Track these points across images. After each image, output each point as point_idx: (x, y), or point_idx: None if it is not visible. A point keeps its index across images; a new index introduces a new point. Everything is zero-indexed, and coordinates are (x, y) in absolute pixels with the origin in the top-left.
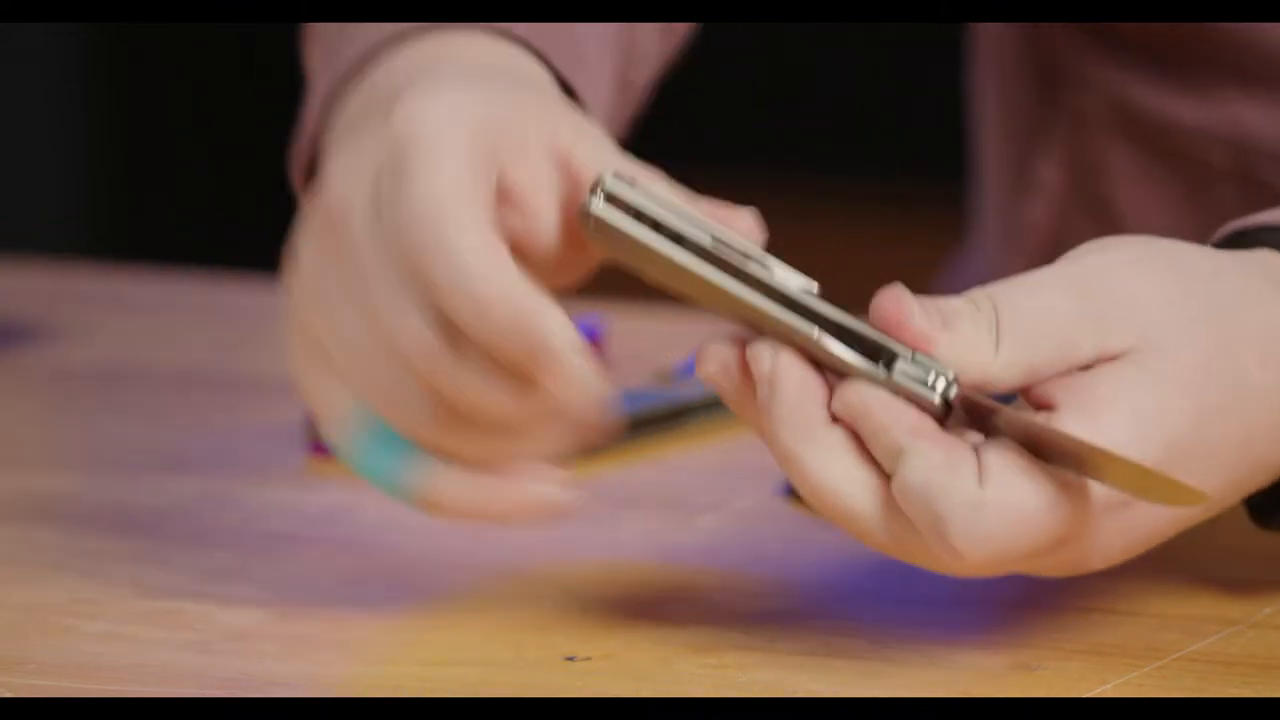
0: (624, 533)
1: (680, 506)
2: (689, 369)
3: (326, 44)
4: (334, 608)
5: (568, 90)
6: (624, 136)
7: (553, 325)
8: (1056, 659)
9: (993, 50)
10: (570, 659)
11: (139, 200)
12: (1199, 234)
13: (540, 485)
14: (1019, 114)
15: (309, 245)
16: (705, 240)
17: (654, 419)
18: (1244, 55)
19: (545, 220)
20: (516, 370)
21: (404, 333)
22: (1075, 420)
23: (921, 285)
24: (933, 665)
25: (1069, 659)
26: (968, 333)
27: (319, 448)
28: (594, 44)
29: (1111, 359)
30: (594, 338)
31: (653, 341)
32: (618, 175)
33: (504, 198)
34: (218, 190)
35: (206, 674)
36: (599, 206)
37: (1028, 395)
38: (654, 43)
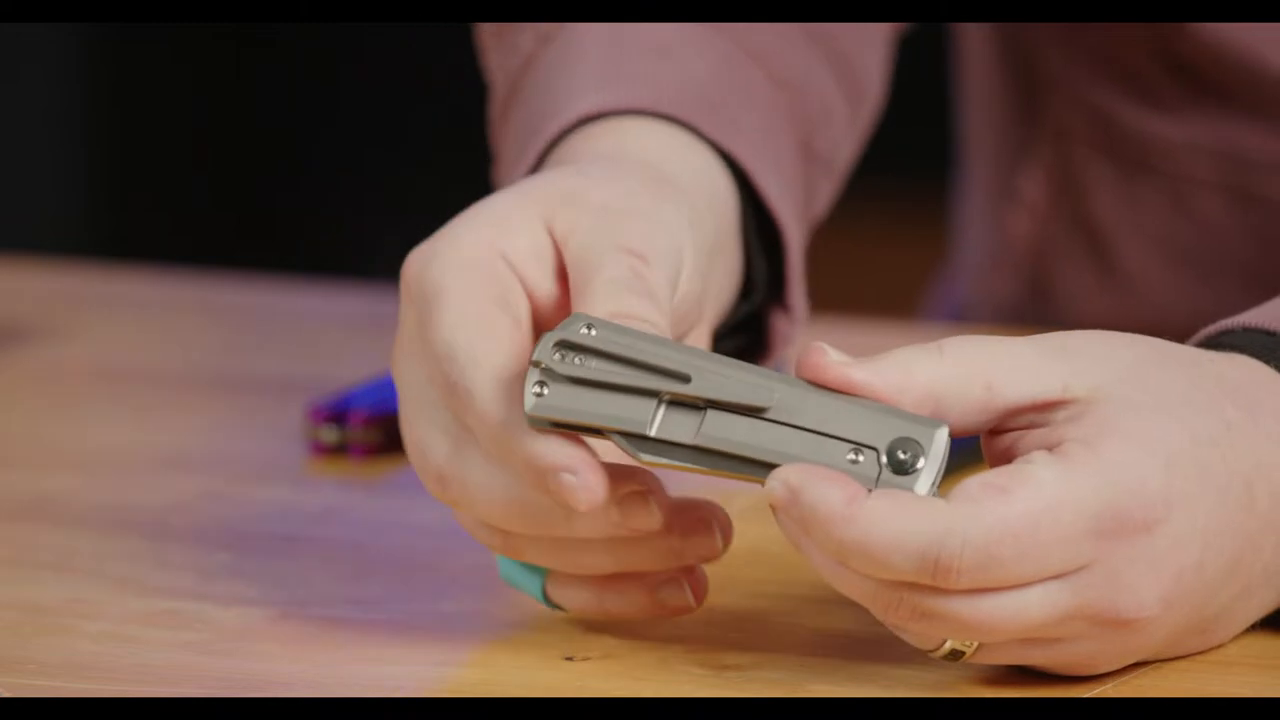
0: None
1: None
2: None
3: (519, 130)
4: (334, 608)
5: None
6: (825, 212)
7: (542, 451)
8: None
9: (976, 66)
10: (570, 659)
11: (139, 200)
12: (1182, 248)
13: (644, 589)
14: (1002, 129)
15: (401, 318)
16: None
17: None
18: (1233, 76)
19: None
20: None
21: (428, 465)
22: (1073, 449)
23: (917, 284)
24: (933, 665)
25: None
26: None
27: (319, 448)
28: (758, 116)
29: (1086, 401)
30: None
31: None
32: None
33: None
34: (217, 190)
35: (206, 674)
36: (535, 407)
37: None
38: (838, 103)
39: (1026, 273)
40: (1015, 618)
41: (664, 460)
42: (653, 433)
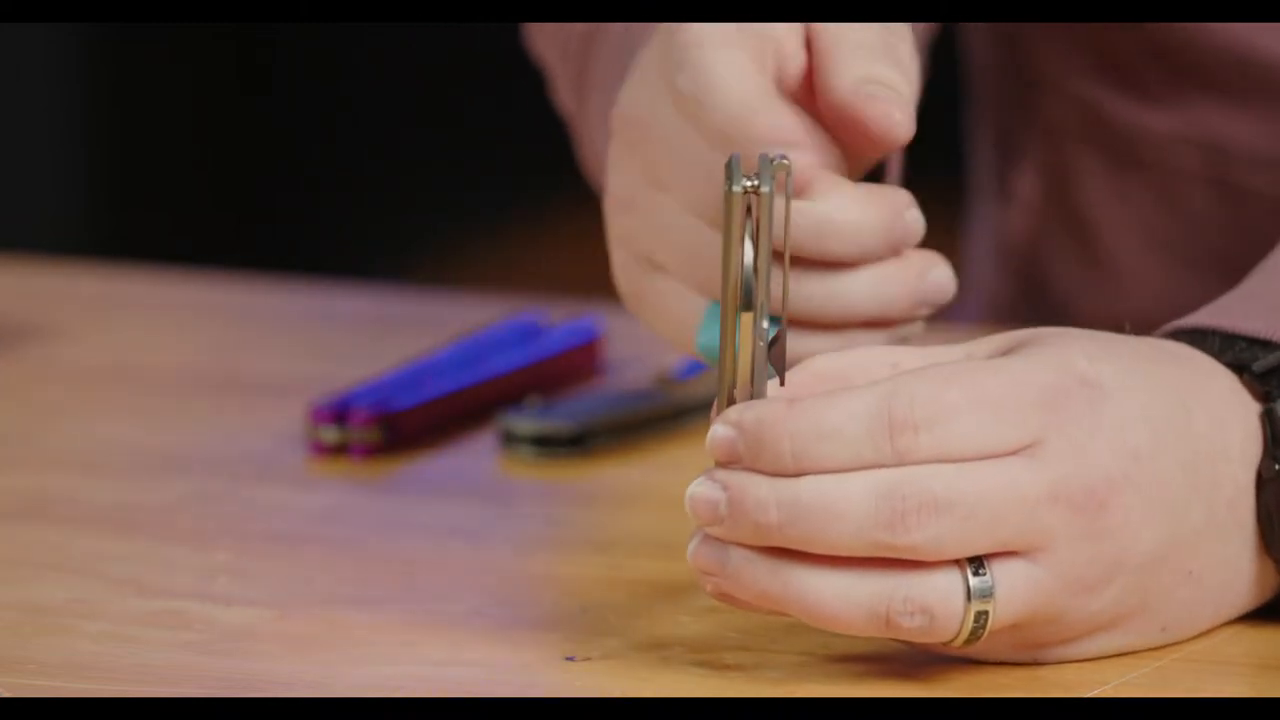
0: (624, 533)
1: (680, 506)
2: (689, 369)
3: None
4: (334, 608)
5: None
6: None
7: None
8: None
9: (978, 62)
10: (570, 659)
11: (138, 200)
12: (1171, 242)
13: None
14: (1000, 125)
15: (614, 167)
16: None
17: (654, 419)
18: (1218, 64)
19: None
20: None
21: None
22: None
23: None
24: (932, 665)
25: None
26: None
27: (320, 448)
28: None
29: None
30: (594, 338)
31: (653, 342)
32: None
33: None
34: (217, 190)
35: (206, 674)
36: (737, 188)
37: None
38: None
39: (1021, 271)
40: (1004, 487)
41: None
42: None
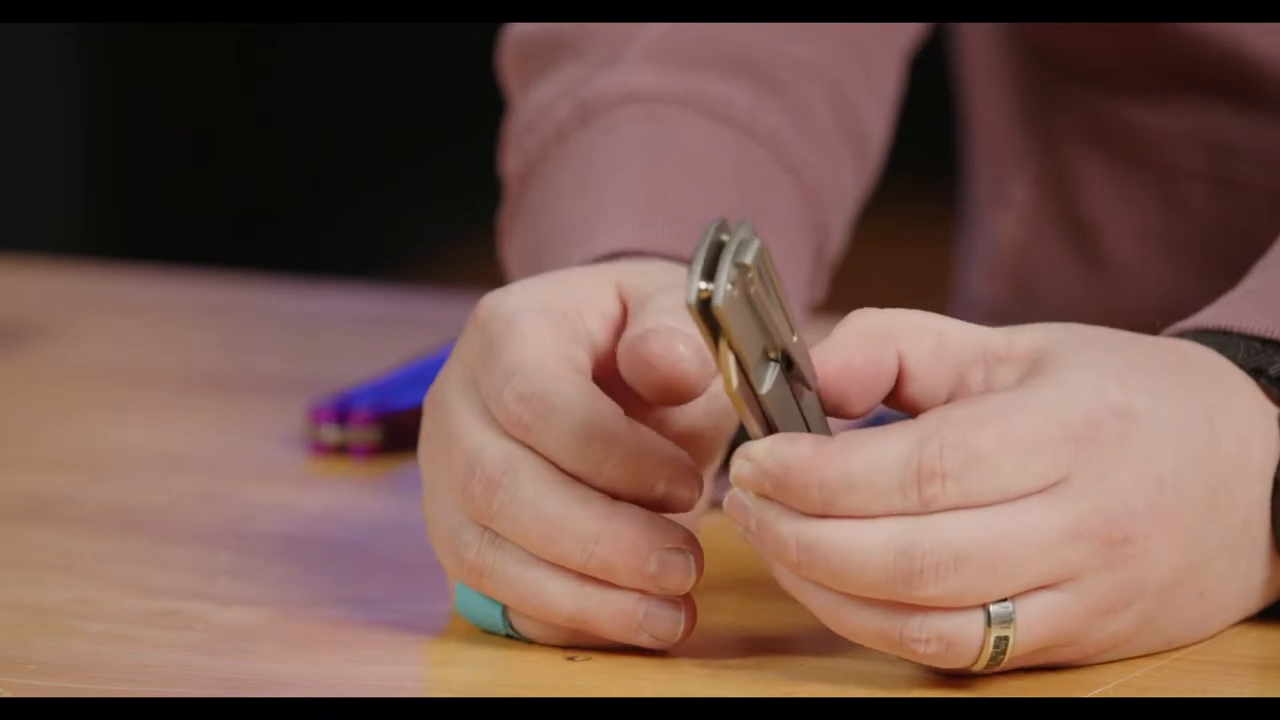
0: None
1: None
2: None
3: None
4: (334, 608)
5: None
6: (824, 294)
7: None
8: None
9: (976, 69)
10: (571, 659)
11: (140, 200)
12: (1173, 241)
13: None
14: (996, 132)
15: (422, 459)
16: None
17: None
18: (1219, 65)
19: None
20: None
21: (474, 474)
22: (1030, 381)
23: (921, 283)
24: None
25: None
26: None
27: (320, 448)
28: (782, 241)
29: (1033, 357)
30: None
31: None
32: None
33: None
34: (218, 190)
35: (206, 674)
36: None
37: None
38: (852, 185)
39: (1014, 275)
40: (1025, 535)
41: (743, 401)
42: (765, 385)
